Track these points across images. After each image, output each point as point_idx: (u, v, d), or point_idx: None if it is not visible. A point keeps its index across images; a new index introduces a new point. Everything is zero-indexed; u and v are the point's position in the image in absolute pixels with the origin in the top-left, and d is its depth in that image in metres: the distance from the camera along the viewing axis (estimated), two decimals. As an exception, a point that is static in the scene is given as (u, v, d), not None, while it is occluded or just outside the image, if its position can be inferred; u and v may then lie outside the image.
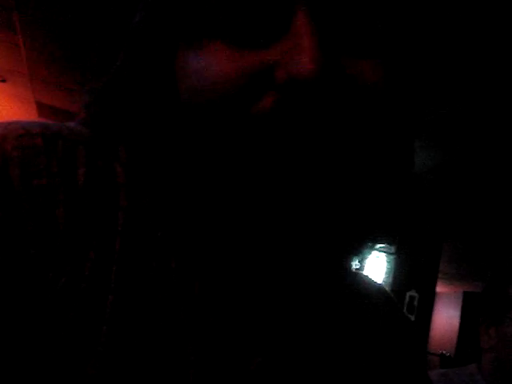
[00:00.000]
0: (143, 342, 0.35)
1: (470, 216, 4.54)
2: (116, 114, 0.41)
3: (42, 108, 4.00)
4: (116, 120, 0.41)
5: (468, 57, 2.38)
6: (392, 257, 4.44)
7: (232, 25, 0.34)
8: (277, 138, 0.33)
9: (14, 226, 0.33)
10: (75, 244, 0.35)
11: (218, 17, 0.34)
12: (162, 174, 0.39)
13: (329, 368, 0.43)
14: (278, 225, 0.36)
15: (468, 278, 6.85)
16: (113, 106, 0.41)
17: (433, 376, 1.43)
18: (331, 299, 0.46)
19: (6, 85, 3.99)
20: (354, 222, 0.40)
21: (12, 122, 0.38)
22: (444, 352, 5.32)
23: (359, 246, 0.43)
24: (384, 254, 4.43)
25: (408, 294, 4.43)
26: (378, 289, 0.53)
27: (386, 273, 4.44)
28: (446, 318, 7.53)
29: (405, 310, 4.33)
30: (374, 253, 4.41)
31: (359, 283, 0.51)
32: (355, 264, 0.52)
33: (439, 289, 6.40)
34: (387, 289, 0.55)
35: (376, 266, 4.43)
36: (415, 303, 4.45)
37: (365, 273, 0.56)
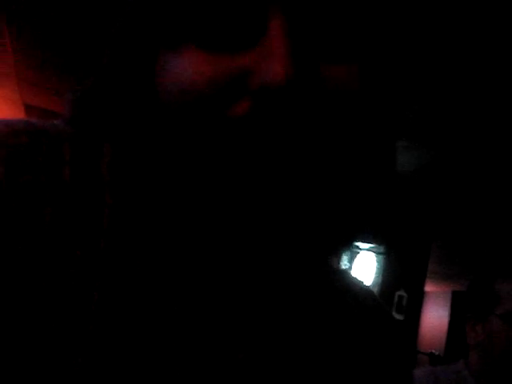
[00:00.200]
0: (129, 338, 0.36)
1: (458, 216, 4.56)
2: (100, 113, 0.41)
3: (30, 110, 3.97)
4: (100, 119, 0.41)
5: (452, 57, 2.39)
6: (381, 256, 4.45)
7: (206, 30, 0.35)
8: (252, 140, 0.34)
9: (0, 224, 0.34)
10: (62, 242, 0.35)
11: (192, 22, 0.35)
12: (145, 173, 0.40)
13: (312, 365, 0.43)
14: (256, 223, 0.37)
15: (457, 277, 6.88)
16: (97, 105, 0.41)
17: (420, 373, 1.44)
18: (315, 296, 0.46)
19: (-7, 87, 3.94)
20: (335, 220, 0.41)
21: None
22: (433, 351, 5.34)
23: (342, 244, 0.44)
24: (373, 254, 4.44)
25: (397, 293, 4.44)
26: (362, 287, 0.53)
27: (376, 272, 4.44)
28: (435, 317, 7.54)
29: (394, 310, 4.35)
30: (363, 252, 4.42)
31: (343, 280, 0.52)
32: (344, 264, 0.53)
33: (428, 288, 6.42)
34: (376, 288, 0.56)
35: (365, 265, 4.44)
36: (404, 303, 4.46)
37: (354, 272, 0.57)
